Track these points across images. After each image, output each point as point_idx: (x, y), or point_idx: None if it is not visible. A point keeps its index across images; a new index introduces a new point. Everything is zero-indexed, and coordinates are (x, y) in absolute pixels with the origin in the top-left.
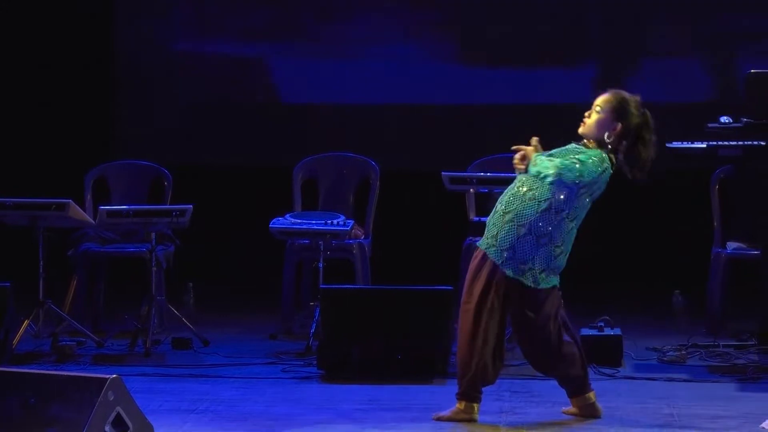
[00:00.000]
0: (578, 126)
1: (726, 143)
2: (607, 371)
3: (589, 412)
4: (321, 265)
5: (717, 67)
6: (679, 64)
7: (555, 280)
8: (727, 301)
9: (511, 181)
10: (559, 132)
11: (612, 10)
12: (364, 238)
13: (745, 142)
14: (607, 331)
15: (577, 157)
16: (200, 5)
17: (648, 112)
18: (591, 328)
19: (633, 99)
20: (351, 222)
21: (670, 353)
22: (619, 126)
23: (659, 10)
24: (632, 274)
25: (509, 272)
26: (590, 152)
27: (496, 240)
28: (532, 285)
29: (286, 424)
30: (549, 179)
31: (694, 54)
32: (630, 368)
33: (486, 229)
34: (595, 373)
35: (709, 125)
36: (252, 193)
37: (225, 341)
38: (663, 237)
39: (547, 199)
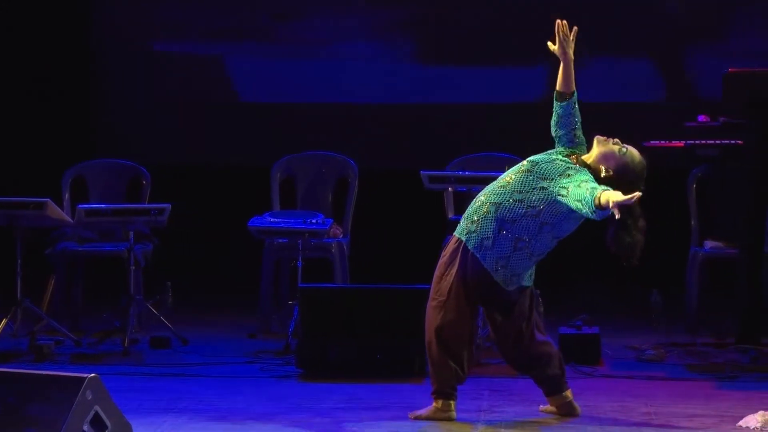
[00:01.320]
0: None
1: (703, 142)
2: (586, 370)
3: (566, 411)
4: (300, 264)
5: (667, 66)
6: (629, 64)
7: (528, 282)
8: (704, 300)
9: (489, 179)
10: (533, 130)
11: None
12: (343, 237)
13: (723, 142)
14: (586, 330)
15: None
16: (179, 6)
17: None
18: (569, 326)
19: (640, 175)
20: (329, 221)
21: (649, 352)
22: (612, 174)
23: (614, 9)
24: (610, 273)
25: (485, 263)
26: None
27: (478, 228)
28: (502, 284)
29: (264, 423)
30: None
31: (643, 53)
32: (608, 367)
33: (463, 218)
34: (573, 371)
35: (687, 124)
36: (231, 191)
37: (204, 340)
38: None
39: (537, 208)
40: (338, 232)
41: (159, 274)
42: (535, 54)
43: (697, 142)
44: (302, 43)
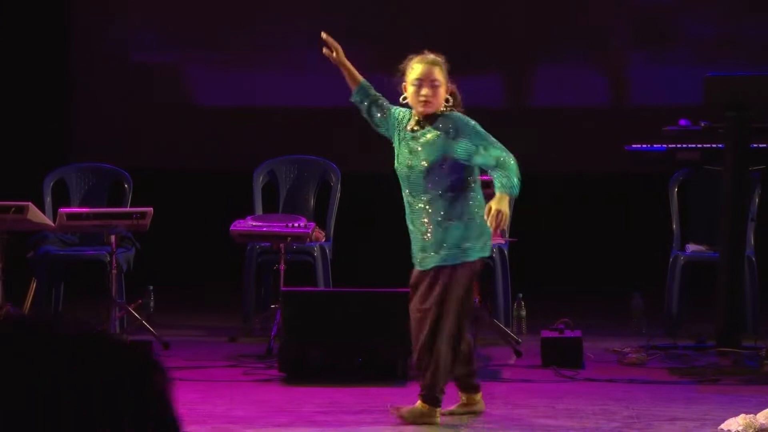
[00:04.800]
0: (525, 126)
1: (684, 146)
2: (568, 373)
3: None
4: (282, 267)
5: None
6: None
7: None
8: (685, 303)
9: None
10: (507, 134)
11: (532, 12)
12: (325, 241)
13: (704, 146)
14: (568, 333)
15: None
16: (157, 13)
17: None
18: (551, 330)
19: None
20: (312, 225)
21: (630, 355)
22: (451, 85)
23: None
24: (592, 276)
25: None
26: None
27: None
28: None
29: (246, 427)
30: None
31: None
32: (590, 370)
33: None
34: (555, 375)
35: (668, 128)
36: (213, 195)
37: (185, 344)
38: (622, 239)
39: None
40: (320, 235)
41: (141, 278)
42: (496, 59)
43: (678, 146)
44: (282, 48)
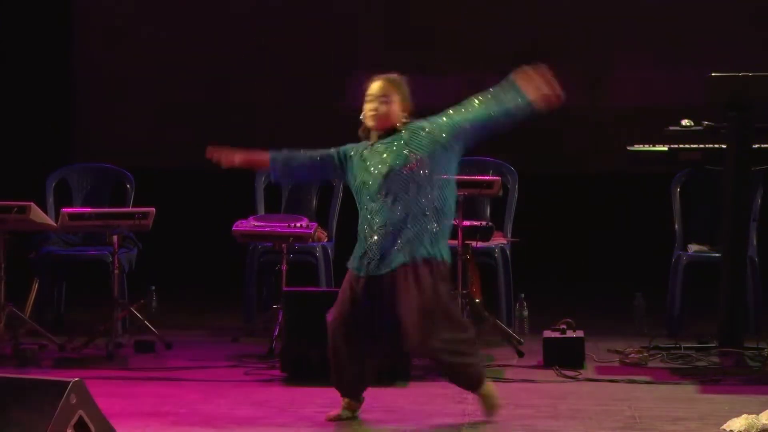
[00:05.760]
0: (526, 126)
1: (686, 146)
2: (569, 373)
3: None
4: (284, 267)
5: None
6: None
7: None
8: (687, 304)
9: (474, 183)
10: (513, 134)
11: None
12: (327, 241)
13: (706, 146)
14: (570, 334)
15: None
16: (160, 11)
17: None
18: (553, 330)
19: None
20: (314, 225)
21: (632, 355)
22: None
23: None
24: (594, 277)
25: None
26: None
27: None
28: None
29: (248, 427)
30: None
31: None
32: (592, 370)
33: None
34: (557, 375)
35: (670, 128)
36: (215, 195)
37: (187, 344)
38: (624, 239)
39: None
40: (322, 236)
41: (143, 279)
42: (496, 60)
43: (679, 146)
44: (284, 46)
